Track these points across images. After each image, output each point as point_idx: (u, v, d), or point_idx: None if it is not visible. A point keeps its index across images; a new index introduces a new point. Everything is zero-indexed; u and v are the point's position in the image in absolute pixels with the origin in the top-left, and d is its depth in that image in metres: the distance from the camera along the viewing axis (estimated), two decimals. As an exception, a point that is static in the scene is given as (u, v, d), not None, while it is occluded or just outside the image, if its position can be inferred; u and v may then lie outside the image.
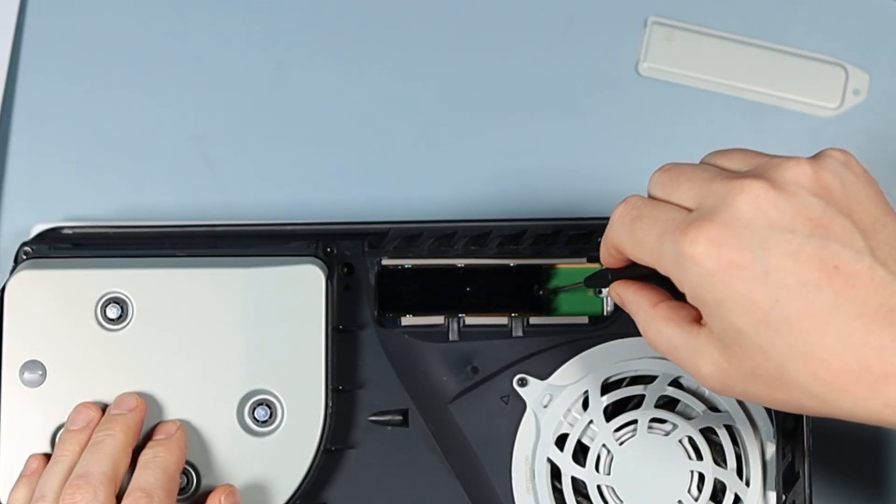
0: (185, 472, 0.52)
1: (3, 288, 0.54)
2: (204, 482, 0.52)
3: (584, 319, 0.55)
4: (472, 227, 0.56)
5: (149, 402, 0.53)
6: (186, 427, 0.53)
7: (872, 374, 0.39)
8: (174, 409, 0.53)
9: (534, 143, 0.65)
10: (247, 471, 0.53)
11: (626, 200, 0.44)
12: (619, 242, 0.44)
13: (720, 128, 0.65)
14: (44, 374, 0.53)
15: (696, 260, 0.40)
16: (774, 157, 0.42)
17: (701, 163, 0.45)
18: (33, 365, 0.53)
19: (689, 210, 0.42)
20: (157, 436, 0.52)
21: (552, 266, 0.55)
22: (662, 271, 0.42)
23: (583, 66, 0.65)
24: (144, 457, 0.51)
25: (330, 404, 0.53)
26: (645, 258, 0.43)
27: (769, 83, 0.65)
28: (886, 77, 0.65)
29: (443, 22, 0.66)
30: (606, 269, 0.46)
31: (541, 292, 0.55)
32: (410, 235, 0.56)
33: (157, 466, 0.50)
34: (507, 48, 0.65)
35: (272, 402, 0.53)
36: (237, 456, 0.53)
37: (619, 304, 0.46)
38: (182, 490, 0.52)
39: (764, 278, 0.40)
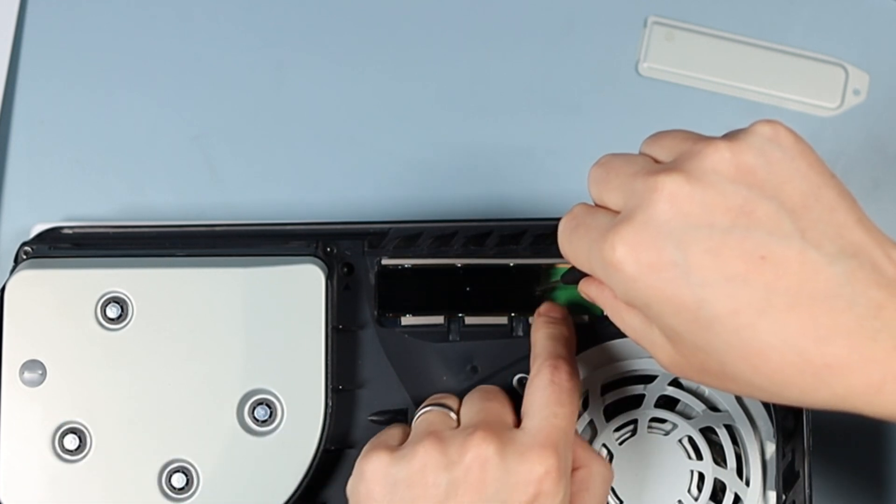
0: (184, 472, 0.52)
1: (3, 288, 0.54)
2: (203, 482, 0.53)
3: (584, 319, 0.55)
4: (471, 227, 0.56)
5: (148, 402, 0.53)
6: (186, 427, 0.53)
7: (813, 365, 0.37)
8: (174, 409, 0.53)
9: (534, 143, 0.65)
10: (246, 470, 0.53)
11: (570, 210, 0.44)
12: (564, 253, 0.44)
13: (720, 128, 0.64)
14: (44, 374, 0.53)
15: (617, 266, 0.39)
16: (701, 140, 0.41)
17: (640, 150, 0.44)
18: (33, 365, 0.53)
19: (618, 213, 0.41)
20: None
21: (552, 266, 0.55)
22: (599, 278, 0.42)
23: (583, 66, 0.65)
24: None
25: (330, 404, 0.53)
26: (583, 267, 0.43)
27: (769, 83, 0.65)
28: (886, 77, 0.65)
29: (443, 22, 0.66)
30: (572, 267, 0.46)
31: (538, 292, 0.55)
32: (410, 235, 0.56)
33: None
34: (508, 48, 0.65)
35: (272, 402, 0.53)
36: (237, 455, 0.53)
37: (588, 300, 0.46)
38: (181, 490, 0.52)
39: (686, 278, 0.38)
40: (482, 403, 0.50)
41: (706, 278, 0.38)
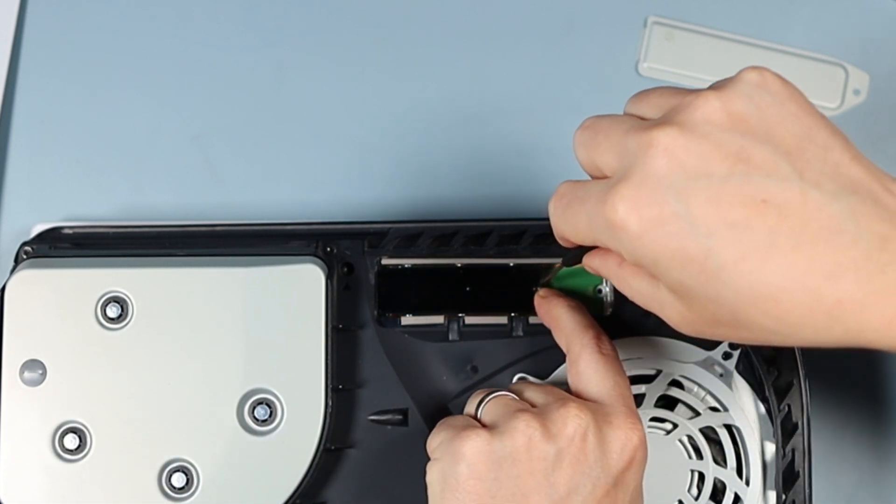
0: (184, 472, 0.52)
1: (3, 288, 0.54)
2: (203, 481, 0.52)
3: (584, 319, 0.55)
4: (471, 227, 0.56)
5: (148, 402, 0.53)
6: (186, 426, 0.53)
7: (825, 303, 0.37)
8: (174, 409, 0.53)
9: (534, 142, 0.65)
10: (247, 470, 0.53)
11: (556, 191, 0.44)
12: (561, 233, 0.44)
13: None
14: (44, 374, 0.53)
15: (621, 226, 0.39)
16: (689, 93, 0.41)
17: (625, 110, 0.44)
18: (33, 364, 0.53)
19: (606, 178, 0.41)
20: None
21: (552, 266, 0.55)
22: (604, 246, 0.42)
23: (583, 66, 0.65)
24: None
25: (330, 403, 0.53)
26: (586, 241, 0.43)
27: (769, 83, 0.65)
28: (886, 77, 0.65)
29: (443, 22, 0.66)
30: (576, 246, 0.46)
31: (534, 289, 0.55)
32: (410, 235, 0.56)
33: None
34: (508, 48, 0.65)
35: (272, 402, 0.53)
36: (237, 455, 0.53)
37: (594, 273, 0.46)
38: (181, 490, 0.52)
39: (691, 230, 0.38)
40: (542, 387, 0.50)
41: (710, 227, 0.38)
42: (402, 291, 0.56)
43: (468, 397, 0.52)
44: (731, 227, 0.38)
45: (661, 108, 0.41)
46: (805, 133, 0.39)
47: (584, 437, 0.46)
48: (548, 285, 0.55)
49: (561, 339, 0.51)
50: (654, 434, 0.54)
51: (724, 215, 0.38)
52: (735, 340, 0.41)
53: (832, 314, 0.37)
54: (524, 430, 0.46)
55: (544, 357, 0.55)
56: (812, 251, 0.37)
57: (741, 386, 0.55)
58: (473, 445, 0.46)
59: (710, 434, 0.54)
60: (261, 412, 0.53)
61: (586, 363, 0.49)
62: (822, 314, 0.37)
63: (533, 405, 0.49)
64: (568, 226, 0.43)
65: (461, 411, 0.54)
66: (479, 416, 0.49)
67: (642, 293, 0.43)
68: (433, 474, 0.48)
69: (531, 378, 0.55)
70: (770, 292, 0.38)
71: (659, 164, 0.39)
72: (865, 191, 0.38)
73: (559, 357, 0.55)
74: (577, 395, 0.49)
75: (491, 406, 0.49)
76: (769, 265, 0.38)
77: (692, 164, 0.38)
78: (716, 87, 0.40)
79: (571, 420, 0.46)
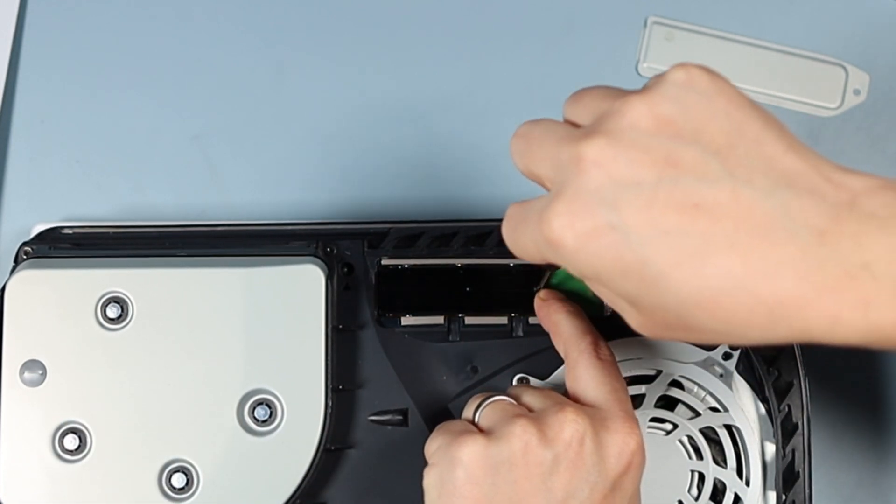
0: (184, 472, 0.52)
1: (3, 288, 0.54)
2: (203, 482, 0.52)
3: (584, 319, 0.55)
4: (472, 227, 0.56)
5: (148, 402, 0.53)
6: (186, 427, 0.53)
7: (766, 303, 0.36)
8: (174, 409, 0.53)
9: (534, 143, 0.65)
10: (247, 470, 0.53)
11: (505, 214, 0.44)
12: (516, 254, 0.43)
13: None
14: (44, 374, 0.53)
15: (558, 242, 0.39)
16: (618, 97, 0.40)
17: (563, 112, 0.43)
18: (33, 364, 0.53)
19: (549, 189, 0.41)
20: None
21: (550, 266, 0.55)
22: (554, 263, 0.41)
23: (583, 66, 0.65)
24: None
25: (330, 404, 0.53)
26: (536, 259, 0.42)
27: (769, 83, 0.65)
28: (886, 77, 0.65)
29: (443, 22, 0.66)
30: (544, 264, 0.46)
31: (535, 289, 0.55)
32: (410, 235, 0.56)
33: None
34: (507, 48, 0.65)
35: (272, 402, 0.53)
36: (237, 455, 0.53)
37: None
38: (181, 490, 0.52)
39: (625, 240, 0.38)
40: (541, 391, 0.50)
41: (644, 236, 0.37)
42: (402, 292, 0.56)
43: (468, 398, 0.52)
44: (665, 234, 0.37)
45: (594, 112, 0.41)
46: (735, 128, 0.38)
47: (581, 441, 0.46)
48: (548, 285, 0.55)
49: (559, 345, 0.51)
50: (654, 434, 0.54)
51: (657, 223, 0.37)
52: (693, 342, 0.41)
53: (774, 313, 0.37)
54: (521, 435, 0.46)
55: (544, 357, 0.55)
56: (748, 251, 0.36)
57: (741, 386, 0.55)
58: (470, 451, 0.47)
59: (710, 434, 0.54)
60: (261, 412, 0.53)
61: (584, 368, 0.49)
62: (764, 314, 0.37)
63: (530, 409, 0.49)
64: (518, 247, 0.43)
65: (461, 412, 0.54)
66: (476, 420, 0.49)
67: (608, 298, 0.42)
68: (430, 479, 0.48)
69: (532, 379, 0.55)
70: (710, 296, 0.37)
71: (589, 178, 0.38)
72: (801, 183, 0.37)
73: (559, 357, 0.55)
74: (576, 400, 0.49)
75: (488, 411, 0.49)
76: (706, 269, 0.37)
77: (622, 173, 0.38)
78: (643, 89, 0.40)
79: (568, 425, 0.46)
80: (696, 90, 0.39)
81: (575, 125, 0.42)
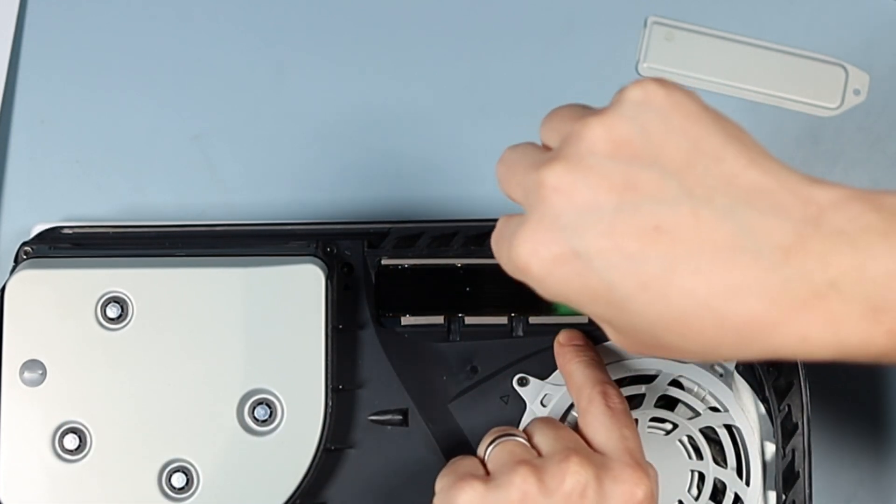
0: (184, 472, 0.52)
1: (3, 288, 0.54)
2: (203, 482, 0.52)
3: (584, 319, 0.55)
4: (472, 227, 0.56)
5: (148, 402, 0.53)
6: (186, 427, 0.53)
7: (733, 323, 0.36)
8: (174, 409, 0.53)
9: (534, 142, 0.65)
10: (247, 470, 0.53)
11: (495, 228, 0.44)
12: (502, 265, 0.43)
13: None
14: (44, 374, 0.53)
15: (525, 269, 0.39)
16: (580, 118, 0.39)
17: (539, 132, 0.43)
18: (33, 364, 0.53)
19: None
20: None
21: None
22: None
23: (583, 66, 0.65)
24: None
25: (330, 404, 0.53)
26: (516, 277, 0.42)
27: (769, 83, 0.65)
28: (886, 77, 0.65)
29: (443, 22, 0.66)
30: None
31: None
32: (410, 235, 0.56)
33: None
34: (507, 48, 0.65)
35: (272, 402, 0.53)
36: (237, 455, 0.53)
37: None
38: (181, 490, 0.52)
39: (589, 266, 0.37)
40: (555, 431, 0.49)
41: (607, 261, 0.37)
42: (402, 291, 0.56)
43: (468, 398, 0.52)
44: (629, 259, 0.37)
45: (560, 134, 0.40)
46: (693, 146, 0.37)
47: (583, 493, 0.45)
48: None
49: (572, 391, 0.51)
50: (654, 434, 0.54)
51: (620, 247, 0.37)
52: (672, 359, 0.41)
53: (743, 334, 0.36)
54: (520, 484, 0.46)
55: (544, 357, 0.55)
56: (711, 273, 0.36)
57: (741, 386, 0.55)
58: (468, 498, 0.46)
59: (710, 434, 0.54)
60: (261, 412, 0.53)
61: (593, 416, 0.49)
62: (733, 334, 0.37)
63: (540, 453, 0.48)
64: (501, 262, 0.42)
65: (461, 412, 0.54)
66: (485, 459, 0.49)
67: (591, 314, 0.41)
68: None
69: (532, 379, 0.55)
70: (677, 317, 0.37)
71: (551, 205, 0.38)
72: (764, 200, 0.37)
73: (559, 357, 0.55)
74: (587, 444, 0.49)
75: (496, 452, 0.49)
76: (671, 291, 0.37)
77: (582, 199, 0.38)
78: (602, 110, 0.39)
79: (570, 476, 0.46)
80: (652, 108, 0.38)
81: (548, 148, 0.42)
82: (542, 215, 0.38)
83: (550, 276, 0.38)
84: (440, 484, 0.49)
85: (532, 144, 0.43)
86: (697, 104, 0.38)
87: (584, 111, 0.40)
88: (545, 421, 0.51)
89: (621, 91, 0.39)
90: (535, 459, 0.47)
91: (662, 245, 0.36)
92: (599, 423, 0.49)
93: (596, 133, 0.38)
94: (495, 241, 0.43)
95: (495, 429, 0.51)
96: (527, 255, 0.39)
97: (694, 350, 0.38)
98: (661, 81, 0.39)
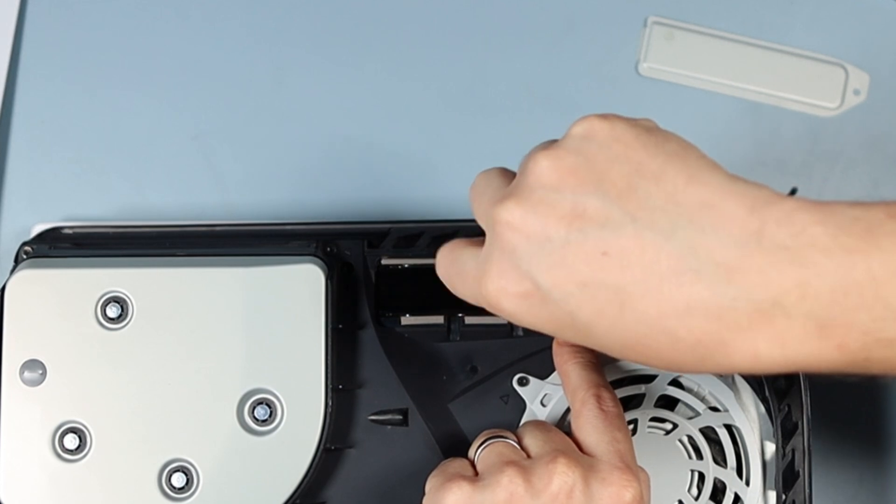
0: (184, 472, 0.52)
1: (3, 288, 0.54)
2: (203, 481, 0.52)
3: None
4: (471, 227, 0.56)
5: (148, 402, 0.53)
6: (186, 426, 0.53)
7: (686, 342, 0.37)
8: (174, 409, 0.53)
9: (534, 143, 0.64)
10: (246, 470, 0.53)
11: (439, 253, 0.45)
12: (459, 296, 0.44)
13: (720, 128, 0.65)
14: (44, 374, 0.53)
15: (499, 307, 0.40)
16: (531, 153, 0.40)
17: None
18: (33, 364, 0.53)
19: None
20: None
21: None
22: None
23: (583, 66, 0.65)
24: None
25: (330, 403, 0.53)
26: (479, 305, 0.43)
27: (769, 83, 0.65)
28: (886, 77, 0.65)
29: (443, 22, 0.66)
30: None
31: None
32: (410, 235, 0.56)
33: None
34: (507, 48, 0.65)
35: (272, 402, 0.53)
36: (237, 455, 0.53)
37: None
38: (181, 490, 0.52)
39: (548, 298, 0.39)
40: (545, 434, 0.50)
41: (564, 291, 0.38)
42: (402, 291, 0.56)
43: (468, 398, 0.52)
44: (582, 287, 0.38)
45: (520, 166, 0.41)
46: (634, 169, 0.38)
47: (570, 494, 0.45)
48: None
49: (567, 392, 0.51)
50: (654, 434, 0.54)
51: (573, 277, 0.38)
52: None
53: (697, 352, 0.37)
54: (507, 485, 0.46)
55: (544, 357, 0.55)
56: (659, 295, 0.37)
57: (741, 386, 0.55)
58: (455, 498, 0.47)
59: (710, 434, 0.54)
60: (261, 412, 0.53)
61: (586, 419, 0.49)
62: (688, 353, 0.37)
63: (528, 454, 0.49)
64: (459, 292, 0.44)
65: (461, 411, 0.54)
66: (475, 460, 0.50)
67: None
68: None
69: (532, 379, 0.55)
70: (634, 339, 0.38)
71: (506, 240, 0.39)
72: (706, 215, 0.37)
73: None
74: (579, 447, 0.49)
75: (485, 453, 0.49)
76: (626, 314, 0.37)
77: (533, 232, 0.39)
78: (548, 145, 0.40)
79: (557, 477, 0.46)
80: (594, 140, 0.39)
81: (506, 183, 0.42)
82: (501, 251, 0.40)
83: (520, 311, 0.40)
84: (430, 484, 0.49)
85: (500, 172, 0.44)
86: (639, 131, 0.39)
87: (542, 146, 0.41)
88: (536, 423, 0.51)
89: (568, 129, 0.40)
90: (523, 461, 0.48)
91: (611, 271, 0.37)
92: (591, 426, 0.49)
93: (542, 166, 0.39)
94: (450, 275, 0.44)
95: (486, 431, 0.51)
96: (496, 294, 0.40)
97: (661, 365, 0.39)
98: (604, 116, 0.40)
